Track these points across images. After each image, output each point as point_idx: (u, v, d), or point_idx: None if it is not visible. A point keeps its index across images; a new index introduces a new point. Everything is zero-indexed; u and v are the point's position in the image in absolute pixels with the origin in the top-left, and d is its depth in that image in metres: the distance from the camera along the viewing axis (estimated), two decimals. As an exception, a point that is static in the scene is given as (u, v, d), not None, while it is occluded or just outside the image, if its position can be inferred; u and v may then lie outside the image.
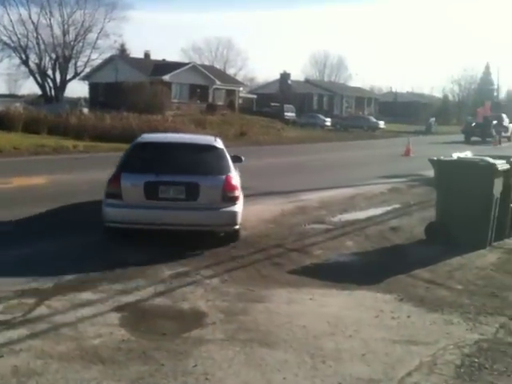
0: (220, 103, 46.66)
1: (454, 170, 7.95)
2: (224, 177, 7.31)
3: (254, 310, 5.07)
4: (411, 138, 26.19)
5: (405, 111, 65.83)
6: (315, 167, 17.62)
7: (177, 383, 3.70)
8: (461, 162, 8.20)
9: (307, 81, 67.57)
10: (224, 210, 7.17)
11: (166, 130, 26.54)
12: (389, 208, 10.48)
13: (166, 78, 43.50)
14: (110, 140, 23.71)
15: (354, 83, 76.57)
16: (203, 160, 7.56)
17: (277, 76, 58.75)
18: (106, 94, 43.19)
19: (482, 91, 74.28)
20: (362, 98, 68.37)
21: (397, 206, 10.78)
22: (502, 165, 7.77)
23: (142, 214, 7.05)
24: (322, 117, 49.68)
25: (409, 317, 5.02)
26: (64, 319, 4.68)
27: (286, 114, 47.29)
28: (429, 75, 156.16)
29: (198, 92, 46.03)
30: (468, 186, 7.67)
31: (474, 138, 35.57)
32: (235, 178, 7.52)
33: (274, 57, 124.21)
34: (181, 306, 5.15)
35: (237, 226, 7.35)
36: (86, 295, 5.29)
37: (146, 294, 5.40)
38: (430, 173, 14.17)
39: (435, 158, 8.15)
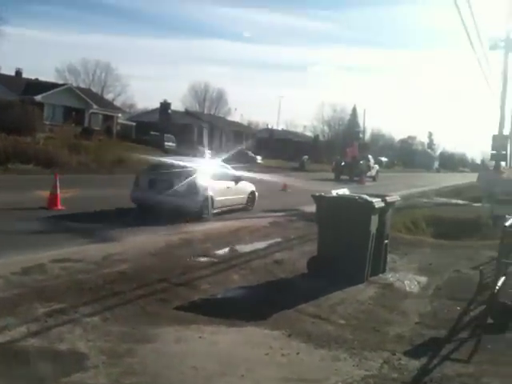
0: (97, 128, 44.89)
1: (334, 206, 8.25)
2: (188, 180, 12.70)
3: (141, 350, 4.76)
4: (287, 173, 27.08)
5: (280, 148, 68.09)
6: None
7: None
8: (341, 198, 8.55)
9: (187, 112, 67.61)
10: (187, 197, 12.44)
11: (36, 153, 25.18)
12: (271, 241, 10.61)
13: (39, 98, 41.14)
14: (-27, 161, 21.85)
15: (232, 118, 78.28)
16: (183, 171, 12.94)
17: (157, 104, 58.17)
18: (-31, 111, 39.81)
19: (349, 132, 79.54)
20: (241, 133, 69.86)
21: (278, 239, 10.96)
22: (378, 203, 8.21)
23: (146, 195, 12.73)
24: (202, 148, 49.84)
25: (298, 353, 5.01)
26: None
27: (166, 143, 46.75)
28: (302, 114, 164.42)
29: (74, 115, 44.00)
30: (347, 222, 7.97)
31: (342, 177, 37.66)
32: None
33: (153, 85, 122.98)
34: (58, 347, 4.69)
35: (196, 209, 12.58)
36: None
37: (17, 334, 4.85)
38: (306, 208, 14.89)
39: (317, 194, 8.41)
